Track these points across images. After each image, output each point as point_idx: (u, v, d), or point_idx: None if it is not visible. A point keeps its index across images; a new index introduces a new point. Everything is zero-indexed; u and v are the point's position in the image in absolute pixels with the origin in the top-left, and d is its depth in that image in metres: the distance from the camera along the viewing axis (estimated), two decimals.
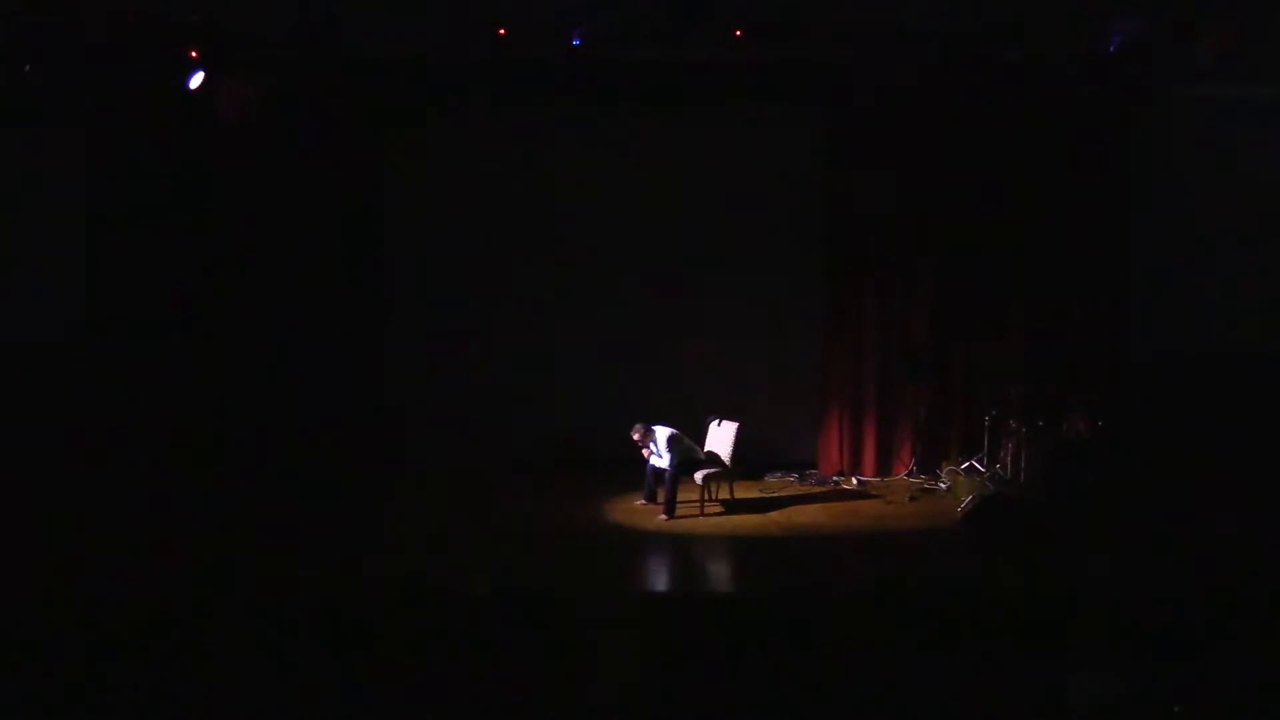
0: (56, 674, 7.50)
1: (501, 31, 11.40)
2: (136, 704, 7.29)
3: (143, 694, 7.37)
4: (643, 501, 11.85)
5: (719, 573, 10.58)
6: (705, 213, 13.35)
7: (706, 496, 11.78)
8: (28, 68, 11.52)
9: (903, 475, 13.16)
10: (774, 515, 11.77)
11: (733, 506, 11.90)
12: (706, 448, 11.99)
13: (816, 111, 13.09)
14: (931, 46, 12.27)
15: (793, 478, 13.18)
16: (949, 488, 12.59)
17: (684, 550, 10.84)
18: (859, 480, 13.09)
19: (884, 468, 13.27)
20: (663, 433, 11.62)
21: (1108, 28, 11.91)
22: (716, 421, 12.13)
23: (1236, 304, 13.20)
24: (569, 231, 13.40)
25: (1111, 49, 12.15)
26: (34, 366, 12.66)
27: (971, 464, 12.68)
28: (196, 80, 12.35)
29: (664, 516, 11.40)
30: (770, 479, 13.15)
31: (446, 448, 13.29)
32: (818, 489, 12.84)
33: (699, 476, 11.64)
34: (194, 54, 12.17)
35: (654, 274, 13.41)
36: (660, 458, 11.61)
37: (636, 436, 11.74)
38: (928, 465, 13.15)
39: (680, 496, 11.62)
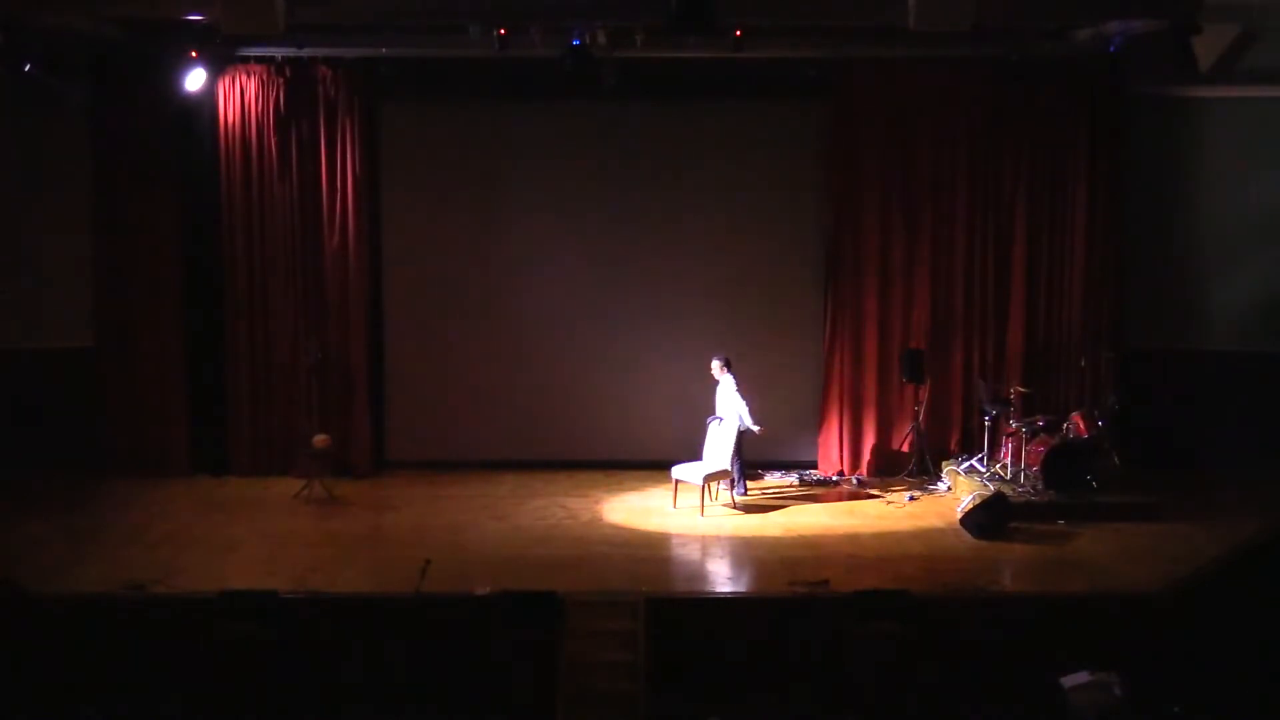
0: None
1: (501, 31, 11.40)
2: None
3: None
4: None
5: (718, 573, 10.57)
6: (705, 212, 13.34)
7: (707, 497, 11.78)
8: (28, 67, 11.51)
9: (903, 475, 13.15)
10: (774, 515, 11.77)
11: (733, 507, 11.90)
12: (706, 447, 11.97)
13: (818, 109, 13.09)
14: (932, 45, 12.26)
15: (793, 478, 13.19)
16: (949, 488, 12.59)
17: (684, 550, 10.84)
18: (859, 480, 13.09)
19: (884, 468, 13.26)
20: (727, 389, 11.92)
21: (1108, 27, 11.91)
22: (717, 421, 12.11)
23: (1235, 304, 13.19)
24: (568, 229, 13.37)
25: (1111, 49, 12.16)
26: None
27: (971, 464, 12.68)
28: (196, 80, 12.34)
29: (736, 495, 11.92)
30: (770, 479, 13.15)
31: (444, 447, 13.31)
32: (818, 489, 12.85)
33: (699, 477, 11.64)
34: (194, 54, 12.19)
35: (654, 273, 13.39)
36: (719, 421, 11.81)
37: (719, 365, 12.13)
38: (928, 465, 13.13)
39: (680, 498, 11.65)
